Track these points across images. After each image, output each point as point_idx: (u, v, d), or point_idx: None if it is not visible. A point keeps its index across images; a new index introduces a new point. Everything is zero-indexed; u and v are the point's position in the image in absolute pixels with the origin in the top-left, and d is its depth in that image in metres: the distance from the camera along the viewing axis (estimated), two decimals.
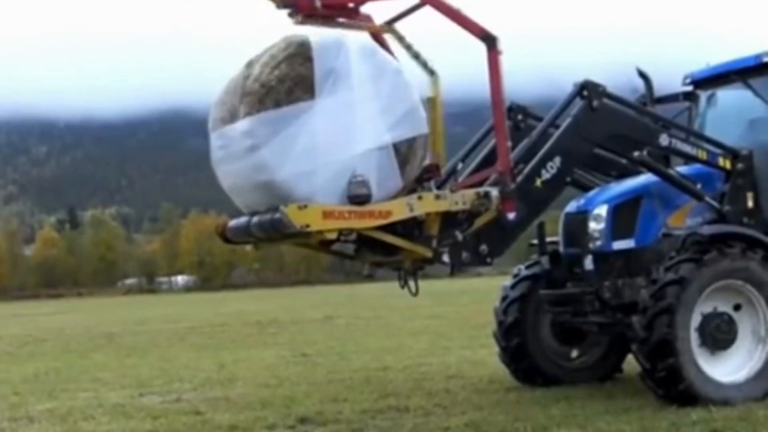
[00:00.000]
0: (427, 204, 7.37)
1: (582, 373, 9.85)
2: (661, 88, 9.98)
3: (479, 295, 27.17)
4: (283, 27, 7.50)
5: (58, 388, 11.95)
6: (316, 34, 7.28)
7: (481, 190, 7.65)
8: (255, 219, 7.23)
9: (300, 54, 7.03)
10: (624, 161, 9.15)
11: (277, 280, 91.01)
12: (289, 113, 6.91)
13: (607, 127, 8.53)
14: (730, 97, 9.90)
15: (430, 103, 7.81)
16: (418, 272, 8.25)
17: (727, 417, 7.39)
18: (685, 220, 8.89)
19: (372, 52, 7.41)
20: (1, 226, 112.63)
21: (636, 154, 8.55)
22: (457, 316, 22.64)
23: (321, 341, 17.64)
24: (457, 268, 7.85)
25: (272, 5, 7.49)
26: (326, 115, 6.99)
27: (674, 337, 7.83)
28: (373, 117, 7.18)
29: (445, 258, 7.67)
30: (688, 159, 9.11)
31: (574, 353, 9.91)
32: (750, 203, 8.94)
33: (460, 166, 8.91)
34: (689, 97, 10.03)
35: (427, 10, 7.72)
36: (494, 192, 7.62)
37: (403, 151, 7.28)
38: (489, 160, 8.27)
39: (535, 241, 9.38)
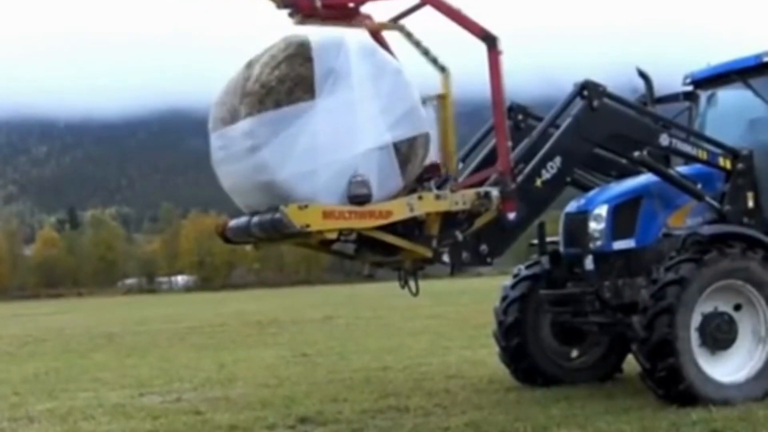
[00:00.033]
0: (428, 204, 7.37)
1: (582, 373, 9.85)
2: (661, 88, 9.98)
3: (479, 295, 27.17)
4: (283, 27, 7.51)
5: (58, 388, 11.95)
6: (315, 34, 7.27)
7: (482, 190, 7.65)
8: (255, 219, 7.23)
9: (300, 54, 7.02)
10: (624, 161, 9.16)
11: (277, 280, 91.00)
12: (289, 113, 6.91)
13: (608, 127, 8.54)
14: (730, 97, 9.90)
15: (441, 100, 7.79)
16: (418, 272, 8.25)
17: (727, 417, 7.39)
18: (686, 220, 8.90)
19: (372, 51, 7.41)
20: (1, 226, 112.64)
21: (636, 154, 8.56)
22: (457, 316, 22.64)
23: (321, 341, 17.64)
24: (457, 268, 7.85)
25: (272, 5, 7.50)
26: (326, 115, 6.99)
27: (674, 337, 7.83)
28: (374, 117, 7.18)
29: (445, 258, 7.67)
30: (689, 159, 9.11)
31: (574, 353, 9.92)
32: (750, 203, 8.94)
33: (460, 166, 8.91)
34: (689, 97, 10.03)
35: (428, 10, 7.72)
36: (494, 192, 7.63)
37: (403, 150, 7.27)
38: (489, 160, 8.27)
39: (536, 241, 9.38)
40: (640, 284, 8.38)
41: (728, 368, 8.18)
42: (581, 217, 8.92)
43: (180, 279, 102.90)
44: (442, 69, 7.79)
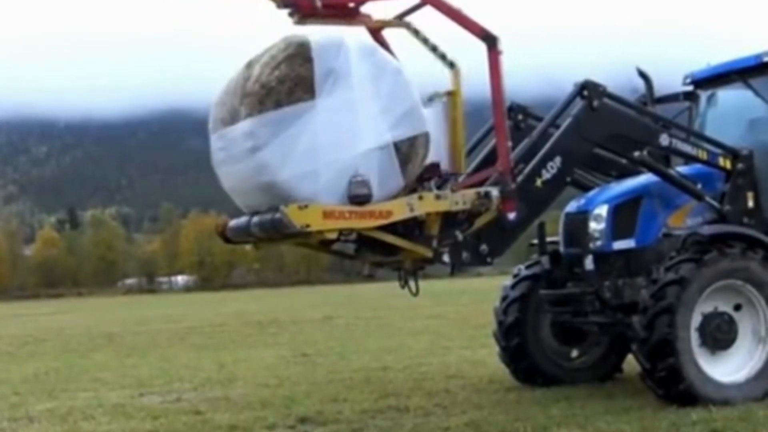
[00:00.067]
0: (428, 204, 7.37)
1: (582, 373, 9.85)
2: (661, 88, 9.98)
3: (479, 295, 27.17)
4: (283, 27, 7.50)
5: (58, 388, 11.95)
6: (315, 34, 7.27)
7: (482, 190, 7.65)
8: (255, 219, 7.23)
9: (300, 54, 7.02)
10: (624, 161, 9.16)
11: (277, 280, 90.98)
12: (289, 114, 6.91)
13: (608, 127, 8.54)
14: (730, 97, 9.90)
15: (451, 97, 7.78)
16: (418, 272, 8.25)
17: (727, 417, 7.39)
18: (686, 220, 8.90)
19: (371, 51, 7.40)
20: (1, 226, 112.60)
21: (636, 154, 8.56)
22: (457, 316, 22.64)
23: (321, 341, 17.64)
24: (457, 268, 7.85)
25: (272, 5, 7.49)
26: (327, 115, 6.99)
27: (674, 337, 7.83)
28: (374, 116, 7.18)
29: (446, 258, 7.67)
30: (689, 159, 9.11)
31: (574, 353, 9.92)
32: (750, 203, 8.94)
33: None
34: (689, 97, 10.03)
35: (428, 10, 7.72)
36: (495, 192, 7.63)
37: (404, 150, 7.27)
38: (489, 160, 8.26)
39: (536, 241, 9.38)
40: (640, 284, 8.38)
41: (728, 368, 8.18)
42: (581, 217, 8.92)
43: (180, 279, 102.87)
44: (451, 65, 7.77)
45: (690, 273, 7.95)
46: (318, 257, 72.04)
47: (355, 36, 7.56)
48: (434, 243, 7.55)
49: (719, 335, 8.14)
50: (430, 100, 7.88)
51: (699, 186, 8.81)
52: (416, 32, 7.80)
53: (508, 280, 10.03)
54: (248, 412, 9.11)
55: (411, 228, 7.49)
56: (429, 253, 7.58)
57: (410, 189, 7.43)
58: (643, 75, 9.93)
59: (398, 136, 7.25)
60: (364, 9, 7.85)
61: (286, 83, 6.93)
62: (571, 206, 9.25)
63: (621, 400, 8.49)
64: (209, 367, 13.77)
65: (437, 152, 7.75)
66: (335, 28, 7.67)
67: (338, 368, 12.61)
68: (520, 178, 7.97)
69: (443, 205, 7.45)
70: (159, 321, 29.58)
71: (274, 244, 8.21)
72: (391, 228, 7.30)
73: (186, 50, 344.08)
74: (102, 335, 23.04)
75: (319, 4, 7.44)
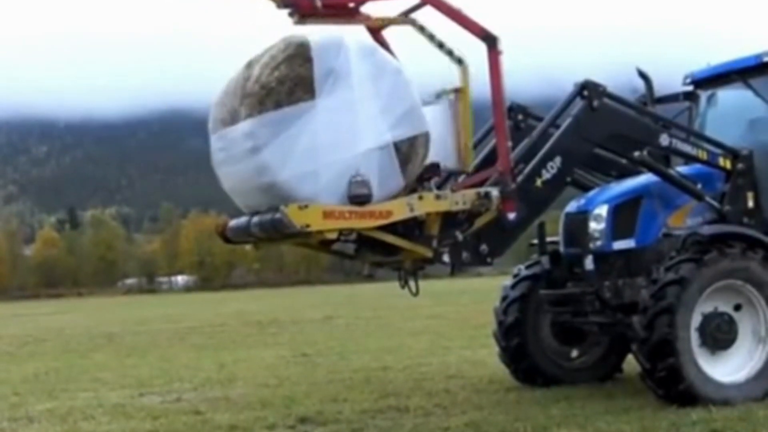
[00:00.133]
0: (428, 204, 7.37)
1: (582, 373, 9.85)
2: (661, 88, 9.99)
3: (479, 295, 27.17)
4: (283, 27, 7.50)
5: (58, 388, 11.95)
6: (315, 34, 7.26)
7: (482, 190, 7.65)
8: (255, 219, 7.23)
9: (299, 55, 7.02)
10: (624, 161, 9.16)
11: (277, 280, 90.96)
12: (290, 114, 6.91)
13: (608, 127, 8.54)
14: (730, 97, 9.90)
15: (458, 94, 7.75)
16: (418, 272, 8.25)
17: (727, 417, 7.39)
18: (686, 220, 8.90)
19: (371, 51, 7.40)
20: (1, 226, 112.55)
21: (636, 154, 8.56)
22: (457, 316, 22.64)
23: (321, 341, 17.64)
24: (457, 268, 7.85)
25: (272, 5, 7.48)
26: (327, 115, 6.99)
27: (674, 337, 7.83)
28: (374, 116, 7.18)
29: (446, 258, 7.67)
30: (689, 159, 9.11)
31: (574, 353, 9.92)
32: (750, 203, 8.95)
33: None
34: (689, 97, 10.03)
35: (428, 10, 7.71)
36: (495, 192, 7.63)
37: (404, 150, 7.27)
38: (489, 160, 8.26)
39: (536, 241, 9.38)
40: (640, 284, 8.38)
41: (728, 368, 8.18)
42: (581, 217, 8.92)
43: (180, 279, 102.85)
44: (459, 61, 7.72)
45: (690, 273, 7.95)
46: (318, 257, 72.03)
47: (355, 36, 7.56)
48: (434, 243, 7.55)
49: (719, 335, 8.14)
50: (437, 97, 7.86)
51: (699, 186, 8.81)
52: (422, 29, 7.74)
53: (508, 280, 10.03)
54: (248, 412, 9.11)
55: (411, 228, 7.49)
56: (429, 253, 7.58)
57: (410, 189, 7.43)
58: (643, 75, 9.93)
59: (398, 136, 7.25)
60: (364, 9, 7.83)
61: (286, 83, 6.93)
62: (571, 206, 9.25)
63: (621, 400, 8.49)
64: (209, 367, 13.77)
65: (444, 150, 7.73)
66: (335, 27, 7.66)
67: (338, 368, 12.61)
68: (520, 178, 7.97)
69: (443, 205, 7.45)
70: (159, 321, 29.58)
71: (274, 244, 8.21)
72: (391, 228, 7.30)
73: (186, 50, 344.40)
74: (102, 335, 23.05)
75: (319, 4, 7.43)
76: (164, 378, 12.53)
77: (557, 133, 8.39)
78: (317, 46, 7.07)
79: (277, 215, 6.83)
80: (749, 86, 9.35)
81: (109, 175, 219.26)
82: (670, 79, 10.76)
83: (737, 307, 8.28)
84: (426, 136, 7.43)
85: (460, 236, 7.69)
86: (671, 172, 8.89)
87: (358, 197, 7.00)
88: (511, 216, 7.81)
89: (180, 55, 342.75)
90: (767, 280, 8.24)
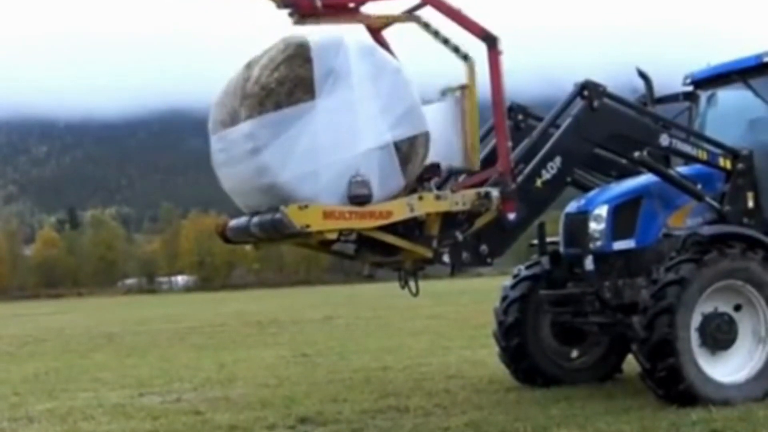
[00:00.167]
0: (428, 204, 7.36)
1: (582, 373, 9.86)
2: (661, 88, 9.99)
3: (479, 295, 27.17)
4: (283, 27, 7.50)
5: (58, 388, 11.95)
6: (314, 34, 7.25)
7: (482, 190, 7.64)
8: (255, 219, 7.23)
9: (299, 55, 7.02)
10: (624, 161, 9.16)
11: (277, 280, 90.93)
12: (290, 115, 6.91)
13: (608, 127, 8.54)
14: (730, 97, 9.90)
15: (465, 90, 7.73)
16: (418, 272, 8.25)
17: (727, 417, 7.40)
18: (686, 220, 8.90)
19: (370, 51, 7.39)
20: (1, 226, 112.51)
21: (636, 154, 8.56)
22: (457, 316, 22.65)
23: (321, 341, 17.65)
24: (457, 269, 7.85)
25: (272, 5, 7.48)
26: (327, 116, 6.99)
27: (674, 337, 7.83)
28: (374, 116, 7.17)
29: (446, 258, 7.67)
30: (689, 159, 9.11)
31: (574, 353, 9.92)
32: (750, 203, 8.95)
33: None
34: (689, 97, 10.03)
35: (428, 10, 7.71)
36: (495, 192, 7.62)
37: (404, 149, 7.26)
38: (489, 161, 8.26)
39: (536, 242, 9.38)
40: (640, 284, 8.38)
41: (728, 368, 8.18)
42: (581, 217, 8.92)
43: (180, 279, 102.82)
44: (465, 57, 7.69)
45: (690, 273, 7.95)
46: (318, 257, 72.00)
47: (354, 36, 7.55)
48: (434, 243, 7.55)
49: (719, 335, 8.14)
50: (442, 94, 7.84)
51: (699, 186, 8.81)
52: (426, 25, 7.71)
53: (508, 281, 10.03)
54: (248, 412, 9.11)
55: (411, 228, 7.49)
56: (429, 254, 7.57)
57: (410, 189, 7.42)
58: (643, 75, 9.93)
59: (398, 136, 7.25)
60: (364, 9, 7.82)
61: (286, 84, 6.92)
62: (571, 206, 9.25)
63: (621, 400, 8.49)
64: (209, 367, 13.77)
65: (450, 149, 7.72)
66: (334, 27, 7.65)
67: (338, 368, 12.61)
68: (520, 179, 7.97)
69: (443, 206, 7.45)
70: (159, 321, 29.58)
71: (274, 245, 8.20)
72: (391, 228, 7.30)
73: (186, 50, 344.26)
74: (102, 335, 23.05)
75: (319, 4, 7.42)
76: (164, 378, 12.53)
77: (557, 134, 8.38)
78: (316, 46, 7.06)
79: (277, 215, 6.83)
80: (749, 86, 9.35)
81: (109, 175, 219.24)
82: (670, 79, 10.76)
83: (737, 308, 8.28)
84: (426, 136, 7.42)
85: (460, 236, 7.69)
86: (671, 172, 8.89)
87: (359, 197, 6.99)
88: (511, 216, 7.81)
89: (180, 55, 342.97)
90: (767, 280, 8.25)
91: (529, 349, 9.66)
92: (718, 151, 8.94)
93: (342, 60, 7.12)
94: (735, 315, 8.25)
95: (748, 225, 8.77)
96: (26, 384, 12.73)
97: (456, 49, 7.68)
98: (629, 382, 9.39)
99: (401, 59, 7.66)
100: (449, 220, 7.60)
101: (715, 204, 8.83)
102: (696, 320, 8.04)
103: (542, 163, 8.16)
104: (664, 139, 8.72)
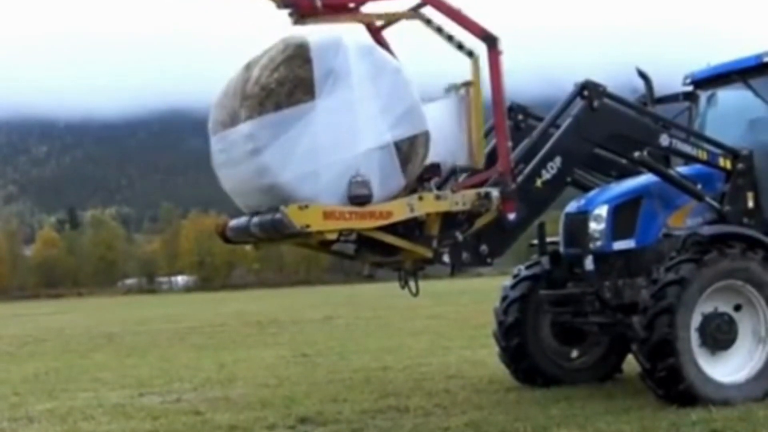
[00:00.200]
0: (428, 204, 7.36)
1: (582, 373, 9.86)
2: (661, 88, 9.99)
3: (479, 295, 27.17)
4: (283, 27, 7.49)
5: (58, 388, 11.95)
6: (313, 34, 7.25)
7: (482, 190, 7.64)
8: (255, 219, 7.23)
9: (299, 56, 7.01)
10: (624, 161, 9.16)
11: (277, 280, 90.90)
12: (290, 115, 6.91)
13: (608, 127, 8.54)
14: (730, 97, 9.90)
15: (470, 87, 7.71)
16: (418, 272, 8.25)
17: (727, 417, 7.40)
18: (686, 220, 8.90)
19: (370, 50, 7.39)
20: (1, 226, 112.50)
21: (636, 154, 8.56)
22: (457, 316, 22.65)
23: (321, 341, 17.64)
24: (457, 269, 7.85)
25: (272, 5, 7.47)
26: (327, 116, 6.98)
27: (674, 337, 7.84)
28: (374, 116, 7.17)
29: (446, 258, 7.67)
30: (689, 159, 9.11)
31: (575, 353, 9.92)
32: (750, 203, 8.95)
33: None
34: (689, 97, 10.03)
35: (428, 10, 7.71)
36: (495, 192, 7.62)
37: (404, 149, 7.26)
38: (489, 161, 8.26)
39: (536, 242, 9.38)
40: (640, 284, 8.38)
41: (728, 368, 8.18)
42: (581, 217, 8.92)
43: (180, 279, 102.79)
44: (470, 54, 7.67)
45: (690, 273, 7.95)
46: (318, 257, 72.01)
47: (354, 35, 7.55)
48: (434, 243, 7.55)
49: (719, 335, 8.14)
50: (446, 91, 7.83)
51: (699, 186, 8.81)
52: (429, 22, 7.69)
53: (508, 281, 10.03)
54: (248, 412, 9.11)
55: (411, 228, 7.49)
56: (429, 254, 7.57)
57: (411, 189, 7.42)
58: (643, 75, 9.93)
59: (398, 136, 7.24)
60: (364, 9, 7.82)
61: (286, 85, 6.92)
62: (571, 206, 9.25)
63: (621, 400, 8.49)
64: (209, 367, 13.77)
65: (454, 146, 7.72)
66: (334, 27, 7.64)
67: (338, 368, 12.61)
68: (520, 179, 7.97)
69: (443, 206, 7.45)
70: (159, 321, 29.57)
71: (274, 245, 8.20)
72: (391, 228, 7.30)
73: (186, 50, 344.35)
74: (102, 335, 23.05)
75: (319, 3, 7.42)
76: (164, 378, 12.53)
77: (557, 134, 8.38)
78: (316, 46, 7.06)
79: (277, 215, 6.83)
80: (749, 86, 9.35)
81: (109, 175, 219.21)
82: (670, 79, 10.76)
83: (737, 308, 8.28)
84: (426, 136, 7.42)
85: (460, 237, 7.69)
86: (671, 172, 8.89)
87: (359, 197, 6.99)
88: (511, 216, 7.81)
89: (180, 55, 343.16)
90: (767, 280, 8.25)
91: (529, 349, 9.66)
92: (718, 151, 8.94)
93: (342, 60, 7.12)
94: (735, 315, 8.25)
95: (748, 225, 8.77)
96: (26, 384, 12.73)
97: (460, 46, 7.65)
98: (629, 382, 9.39)
99: (401, 59, 7.66)
100: (449, 220, 7.60)
101: (715, 204, 8.83)
102: (696, 320, 8.04)
103: (542, 163, 8.16)
104: (664, 139, 8.72)
